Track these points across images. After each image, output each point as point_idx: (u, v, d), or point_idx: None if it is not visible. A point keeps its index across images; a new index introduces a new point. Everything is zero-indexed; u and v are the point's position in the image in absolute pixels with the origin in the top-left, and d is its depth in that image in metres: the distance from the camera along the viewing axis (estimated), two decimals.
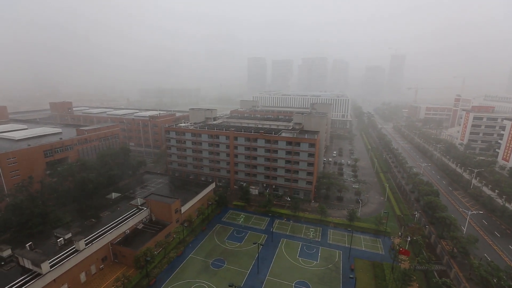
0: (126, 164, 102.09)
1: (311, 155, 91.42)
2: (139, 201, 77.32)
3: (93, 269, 58.21)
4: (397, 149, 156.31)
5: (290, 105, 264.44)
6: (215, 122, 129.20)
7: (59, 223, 65.49)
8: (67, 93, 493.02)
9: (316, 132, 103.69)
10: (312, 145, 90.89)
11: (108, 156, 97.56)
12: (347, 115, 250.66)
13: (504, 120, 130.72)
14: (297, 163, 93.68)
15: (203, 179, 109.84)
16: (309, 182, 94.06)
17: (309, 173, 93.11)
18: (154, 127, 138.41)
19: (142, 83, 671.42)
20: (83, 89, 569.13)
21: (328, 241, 72.26)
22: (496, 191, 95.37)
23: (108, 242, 61.50)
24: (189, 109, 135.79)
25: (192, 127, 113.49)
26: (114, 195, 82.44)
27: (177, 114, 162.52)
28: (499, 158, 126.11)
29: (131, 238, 65.47)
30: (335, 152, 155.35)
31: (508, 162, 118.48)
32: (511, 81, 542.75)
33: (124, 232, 66.16)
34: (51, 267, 49.93)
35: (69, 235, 58.95)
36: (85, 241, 57.03)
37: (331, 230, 77.48)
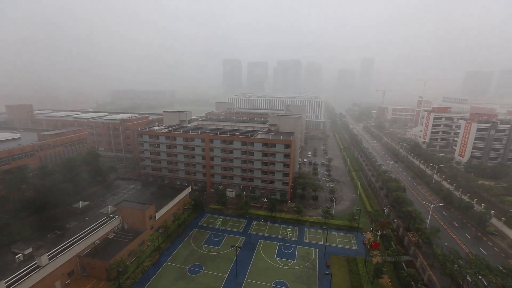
0: (95, 170, 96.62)
1: (286, 156, 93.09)
2: (109, 209, 73.55)
3: (58, 285, 54.19)
4: (367, 149, 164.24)
5: (266, 107, 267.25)
6: (190, 125, 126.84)
7: (18, 237, 60.21)
8: (25, 95, 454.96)
9: (291, 133, 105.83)
10: (287, 146, 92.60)
11: (74, 162, 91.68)
12: (320, 116, 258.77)
13: (459, 120, 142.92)
14: (273, 164, 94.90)
15: (178, 183, 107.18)
16: (285, 183, 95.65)
17: (285, 174, 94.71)
18: (126, 130, 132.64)
19: (114, 83, 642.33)
20: (43, 91, 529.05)
21: (304, 240, 73.90)
22: (454, 184, 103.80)
23: (75, 255, 57.73)
24: (163, 111, 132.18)
25: (166, 130, 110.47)
26: (82, 203, 77.59)
27: (151, 117, 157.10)
28: (456, 155, 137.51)
29: (101, 249, 62.01)
30: (309, 153, 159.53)
31: (463, 158, 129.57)
32: (464, 84, 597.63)
33: (94, 242, 62.53)
34: (7, 287, 45.73)
35: (30, 250, 54.49)
36: (48, 255, 53.02)
37: (307, 229, 79.37)
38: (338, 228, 79.53)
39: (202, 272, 60.95)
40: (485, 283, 49.73)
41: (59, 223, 67.76)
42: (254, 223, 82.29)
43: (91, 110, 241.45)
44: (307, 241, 73.56)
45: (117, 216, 69.86)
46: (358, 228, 78.41)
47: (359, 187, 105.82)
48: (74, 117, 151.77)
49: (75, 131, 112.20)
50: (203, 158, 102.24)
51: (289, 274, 60.49)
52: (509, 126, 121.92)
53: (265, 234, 76.57)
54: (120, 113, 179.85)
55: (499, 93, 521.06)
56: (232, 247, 65.86)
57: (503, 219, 77.50)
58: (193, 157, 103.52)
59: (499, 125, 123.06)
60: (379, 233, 71.59)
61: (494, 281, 47.24)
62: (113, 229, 68.55)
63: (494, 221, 79.64)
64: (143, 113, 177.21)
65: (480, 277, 50.35)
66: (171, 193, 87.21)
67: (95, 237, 62.84)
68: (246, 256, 66.79)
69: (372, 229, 77.92)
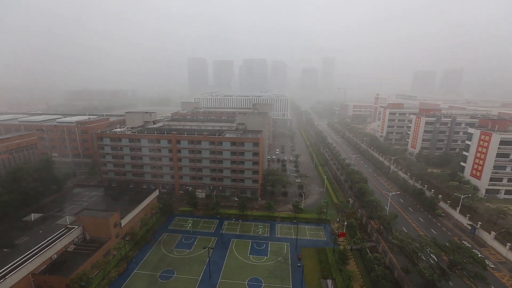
0: (48, 178, 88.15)
1: (255, 154, 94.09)
2: (68, 219, 67.78)
3: None
4: (332, 144, 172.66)
5: (233, 105, 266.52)
6: (155, 126, 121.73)
7: None
8: None
9: (259, 131, 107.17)
10: (256, 144, 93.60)
11: (22, 171, 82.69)
12: (287, 114, 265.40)
13: (411, 115, 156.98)
14: (243, 162, 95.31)
15: (145, 187, 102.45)
16: (255, 181, 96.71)
17: (255, 172, 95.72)
18: (84, 133, 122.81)
19: (68, 85, 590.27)
20: None
21: (276, 236, 75.60)
22: (408, 174, 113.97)
23: (28, 273, 52.21)
24: (125, 112, 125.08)
25: (130, 132, 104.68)
26: (34, 216, 70.37)
27: (111, 119, 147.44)
28: (409, 146, 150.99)
29: (60, 264, 57.00)
30: (278, 150, 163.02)
31: (415, 149, 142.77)
32: (413, 82, 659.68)
33: (50, 258, 57.22)
34: None
35: None
36: None
37: (279, 225, 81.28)
38: (308, 221, 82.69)
39: (175, 277, 59.26)
40: (435, 258, 55.78)
41: (6, 239, 60.73)
42: (225, 222, 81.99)
43: (40, 112, 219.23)
44: (278, 236, 75.36)
45: (77, 227, 64.67)
46: (326, 220, 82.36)
47: (326, 181, 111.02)
48: (19, 121, 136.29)
49: (22, 136, 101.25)
50: (171, 159, 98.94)
51: (262, 270, 61.50)
52: (450, 119, 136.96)
53: (237, 233, 76.77)
54: (75, 115, 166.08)
55: (442, 90, 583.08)
56: (204, 248, 64.97)
57: (448, 202, 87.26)
58: (160, 159, 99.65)
59: (443, 119, 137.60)
60: (345, 223, 76.07)
61: (441, 254, 53.34)
62: (73, 241, 63.39)
63: (441, 204, 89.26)
64: (102, 115, 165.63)
65: (431, 255, 56.33)
66: (137, 197, 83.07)
67: (51, 252, 57.52)
68: (219, 256, 66.40)
69: (339, 219, 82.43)
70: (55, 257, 58.29)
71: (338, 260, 62.03)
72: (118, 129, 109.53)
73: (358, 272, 60.43)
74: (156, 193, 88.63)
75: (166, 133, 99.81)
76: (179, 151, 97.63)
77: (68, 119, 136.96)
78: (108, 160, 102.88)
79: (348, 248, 65.60)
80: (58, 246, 59.31)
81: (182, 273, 60.42)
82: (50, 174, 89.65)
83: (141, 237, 73.39)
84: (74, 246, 62.79)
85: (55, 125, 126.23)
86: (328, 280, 57.98)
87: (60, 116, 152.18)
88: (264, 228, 79.05)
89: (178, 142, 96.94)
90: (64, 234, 62.05)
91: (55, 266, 56.21)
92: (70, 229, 64.03)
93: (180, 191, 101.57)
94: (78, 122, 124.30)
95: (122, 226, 70.22)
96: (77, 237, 64.51)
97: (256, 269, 61.82)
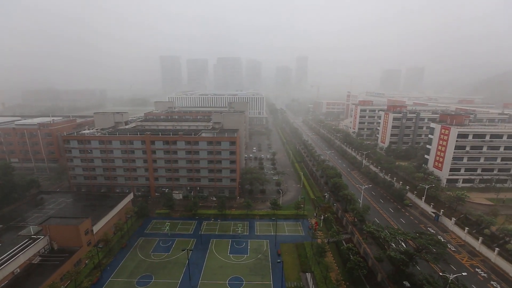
0: (7, 186, 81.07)
1: (232, 153, 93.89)
2: (32, 229, 62.83)
3: None
4: (307, 141, 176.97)
5: (208, 105, 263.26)
6: (127, 127, 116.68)
7: None
8: None
9: (236, 130, 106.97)
10: (232, 143, 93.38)
11: None
12: (263, 112, 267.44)
13: (380, 111, 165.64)
14: (220, 162, 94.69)
15: (118, 190, 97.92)
16: (233, 180, 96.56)
17: (232, 171, 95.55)
18: (47, 136, 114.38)
19: (28, 82, 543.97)
20: None
21: (255, 233, 76.15)
22: (378, 167, 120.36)
23: None
24: (94, 113, 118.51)
25: (100, 133, 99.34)
26: None
27: (79, 120, 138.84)
28: (379, 141, 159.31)
29: (24, 278, 52.80)
30: (255, 148, 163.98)
31: (384, 143, 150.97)
32: (382, 80, 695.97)
33: (12, 272, 52.73)
34: None
35: None
36: None
37: (258, 222, 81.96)
38: (286, 217, 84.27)
39: (153, 282, 57.55)
40: (404, 245, 59.77)
41: None
42: (204, 223, 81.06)
43: None
44: (258, 234, 75.96)
45: (42, 237, 60.28)
46: (304, 215, 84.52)
47: (302, 177, 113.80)
48: None
49: None
50: (145, 161, 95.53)
51: (243, 269, 61.73)
52: (415, 115, 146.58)
53: (216, 233, 76.26)
54: (37, 116, 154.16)
55: (407, 88, 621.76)
56: (183, 250, 63.67)
57: (415, 192, 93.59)
58: (133, 161, 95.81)
59: (408, 115, 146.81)
60: (322, 217, 78.69)
61: (407, 240, 57.41)
62: (39, 252, 59.02)
63: (409, 195, 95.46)
64: (68, 116, 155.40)
65: (401, 242, 60.30)
66: (110, 202, 79.25)
67: (13, 266, 53.02)
68: (199, 257, 65.60)
69: (316, 214, 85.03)
70: (18, 271, 53.91)
71: (316, 253, 64.07)
72: (87, 131, 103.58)
73: (335, 263, 62.92)
74: (130, 197, 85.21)
75: (140, 134, 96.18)
76: (153, 152, 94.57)
77: (28, 121, 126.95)
78: (76, 164, 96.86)
79: (326, 241, 68.02)
80: (21, 259, 54.88)
81: (161, 277, 58.87)
82: (9, 181, 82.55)
83: (116, 243, 70.25)
84: (40, 258, 58.48)
85: (13, 127, 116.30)
86: (307, 273, 59.72)
87: (19, 118, 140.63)
88: (243, 226, 79.28)
89: (153, 143, 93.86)
90: (27, 246, 57.51)
91: (19, 281, 52.00)
92: (34, 239, 59.49)
93: (156, 193, 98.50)
94: (40, 124, 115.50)
95: (94, 233, 66.67)
96: (43, 247, 60.15)
97: (237, 268, 61.92)
